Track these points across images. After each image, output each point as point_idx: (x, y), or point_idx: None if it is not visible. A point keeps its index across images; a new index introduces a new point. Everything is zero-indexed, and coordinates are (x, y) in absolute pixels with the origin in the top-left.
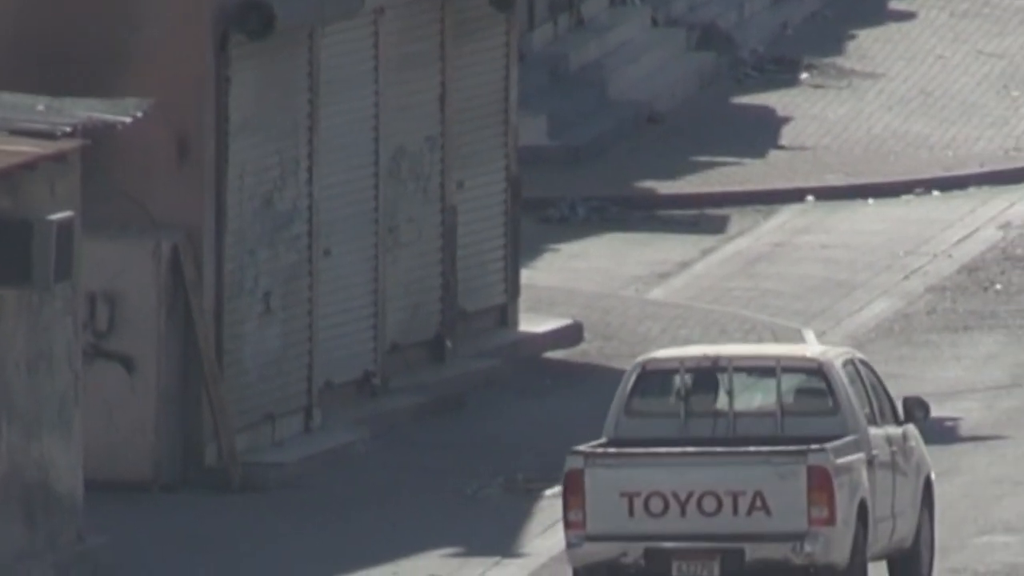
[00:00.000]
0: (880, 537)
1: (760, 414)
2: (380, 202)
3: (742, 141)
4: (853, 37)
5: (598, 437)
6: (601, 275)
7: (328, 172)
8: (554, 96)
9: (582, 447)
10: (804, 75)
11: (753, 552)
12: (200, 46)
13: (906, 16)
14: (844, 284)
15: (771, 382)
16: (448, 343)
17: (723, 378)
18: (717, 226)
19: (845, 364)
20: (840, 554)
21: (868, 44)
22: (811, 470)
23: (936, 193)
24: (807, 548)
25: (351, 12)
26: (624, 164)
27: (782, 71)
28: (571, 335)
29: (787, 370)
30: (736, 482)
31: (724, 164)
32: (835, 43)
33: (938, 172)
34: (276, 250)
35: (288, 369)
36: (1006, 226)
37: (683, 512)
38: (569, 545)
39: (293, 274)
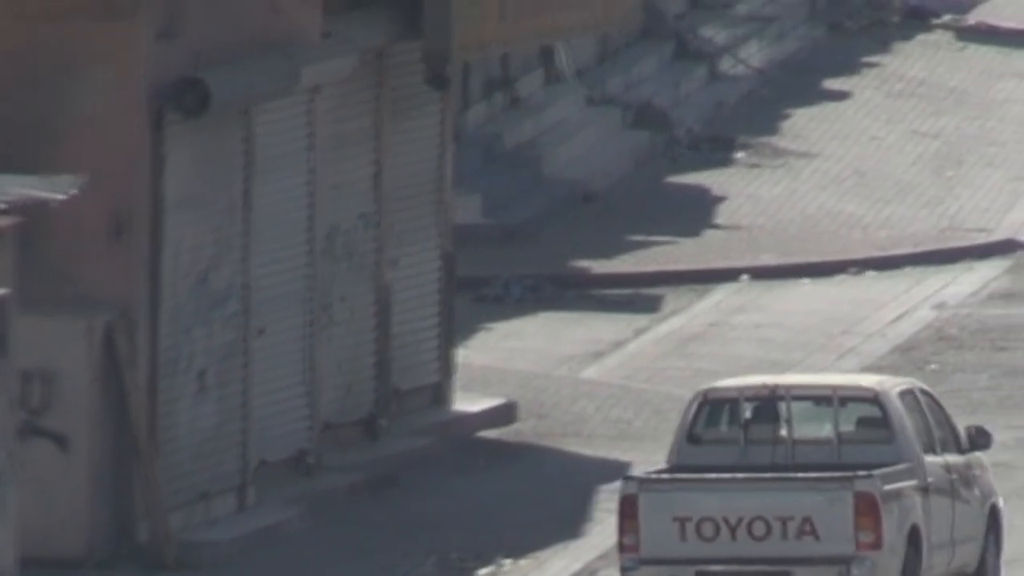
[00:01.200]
0: (937, 564)
1: (818, 442)
2: (314, 280)
3: (677, 220)
4: (788, 117)
5: (534, 515)
6: (535, 354)
7: (263, 250)
8: (489, 174)
9: (637, 473)
10: (739, 154)
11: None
12: (136, 123)
13: (841, 96)
14: (778, 364)
15: (828, 411)
16: (382, 422)
17: (782, 407)
18: (651, 305)
19: (903, 394)
20: None
21: (803, 124)
22: (858, 496)
23: (870, 273)
24: (854, 572)
25: (287, 90)
26: (559, 243)
27: (717, 150)
28: (505, 414)
29: (844, 399)
30: (785, 507)
31: (659, 243)
32: (770, 122)
33: (872, 252)
34: (211, 328)
35: (222, 447)
36: (940, 306)
37: (733, 536)
38: (623, 569)
39: (228, 352)
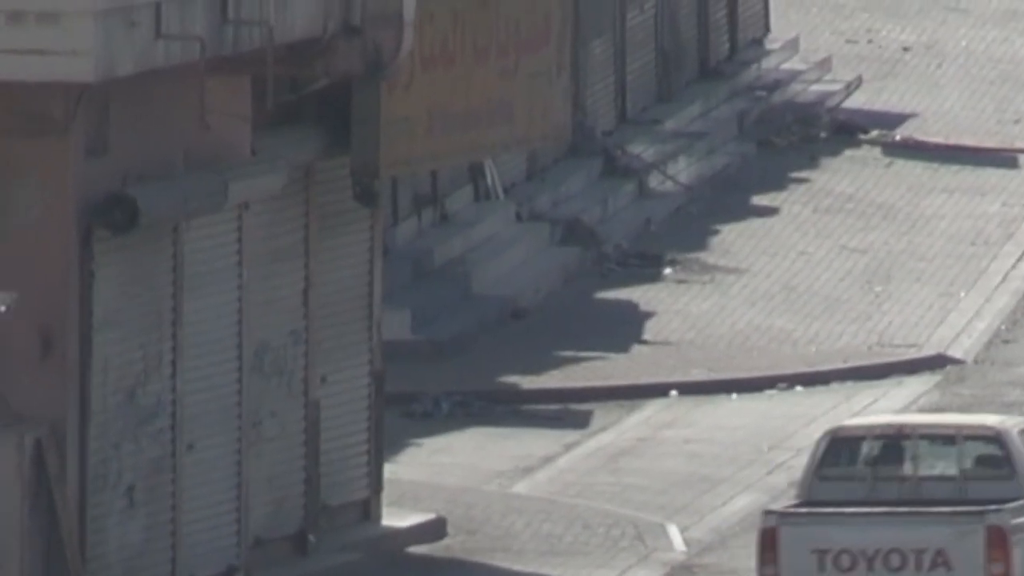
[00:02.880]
0: None
1: (942, 479)
2: (244, 396)
3: (606, 336)
4: (717, 232)
5: None
6: (465, 469)
7: (192, 366)
8: (418, 290)
9: (776, 507)
10: (667, 270)
11: None
12: (64, 239)
13: (769, 212)
14: (708, 479)
15: (952, 449)
16: (311, 537)
17: (908, 445)
18: (581, 421)
19: (1022, 432)
20: None
21: (731, 239)
22: (990, 529)
23: (799, 388)
24: None
25: (216, 207)
26: (488, 359)
27: (646, 266)
28: (434, 530)
29: (968, 438)
30: (920, 540)
31: (588, 359)
32: (699, 238)
33: (801, 367)
34: (140, 444)
35: (152, 563)
36: None
37: (870, 568)
38: None
39: (157, 468)
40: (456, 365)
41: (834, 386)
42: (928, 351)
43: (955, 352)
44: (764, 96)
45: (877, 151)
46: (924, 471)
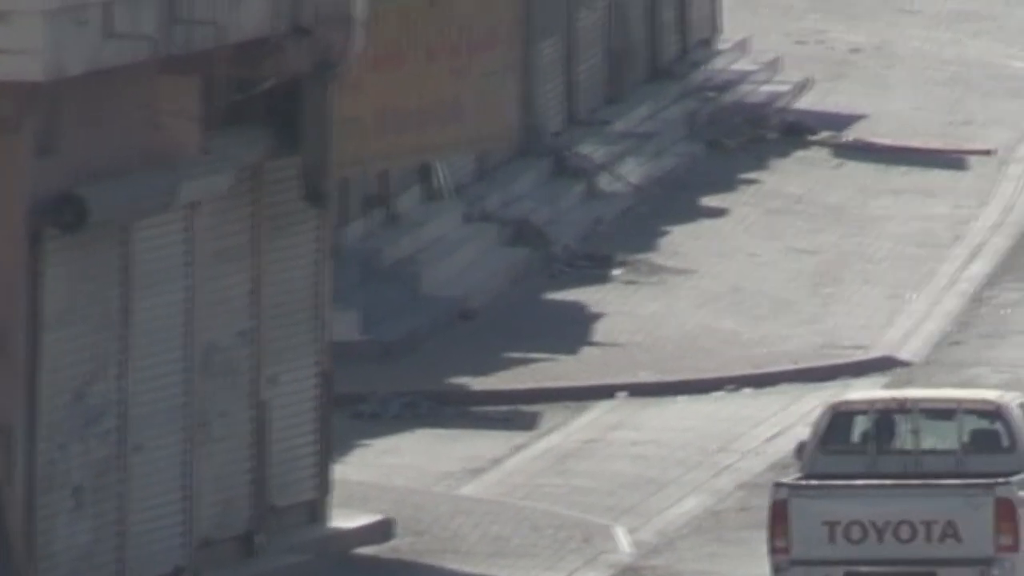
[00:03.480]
0: None
1: (943, 452)
2: (192, 397)
3: (554, 337)
4: (666, 234)
5: None
6: (413, 471)
7: (140, 366)
8: (367, 291)
9: (786, 480)
10: (617, 271)
11: (944, 575)
12: (13, 238)
13: (718, 213)
14: (655, 481)
15: (953, 423)
16: (259, 538)
17: (908, 419)
18: (529, 422)
19: (1020, 406)
20: None
21: (681, 241)
22: (999, 502)
23: (747, 390)
24: (994, 572)
25: (165, 206)
26: (437, 359)
27: (595, 267)
28: (382, 531)
29: (967, 412)
30: (929, 512)
31: (536, 360)
32: (648, 239)
33: (749, 369)
34: (88, 444)
35: (99, 564)
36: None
37: (880, 539)
38: (776, 569)
39: (104, 468)
40: (405, 366)
41: (782, 388)
42: (876, 353)
43: (903, 354)
44: (714, 97)
45: (826, 152)
46: (925, 445)
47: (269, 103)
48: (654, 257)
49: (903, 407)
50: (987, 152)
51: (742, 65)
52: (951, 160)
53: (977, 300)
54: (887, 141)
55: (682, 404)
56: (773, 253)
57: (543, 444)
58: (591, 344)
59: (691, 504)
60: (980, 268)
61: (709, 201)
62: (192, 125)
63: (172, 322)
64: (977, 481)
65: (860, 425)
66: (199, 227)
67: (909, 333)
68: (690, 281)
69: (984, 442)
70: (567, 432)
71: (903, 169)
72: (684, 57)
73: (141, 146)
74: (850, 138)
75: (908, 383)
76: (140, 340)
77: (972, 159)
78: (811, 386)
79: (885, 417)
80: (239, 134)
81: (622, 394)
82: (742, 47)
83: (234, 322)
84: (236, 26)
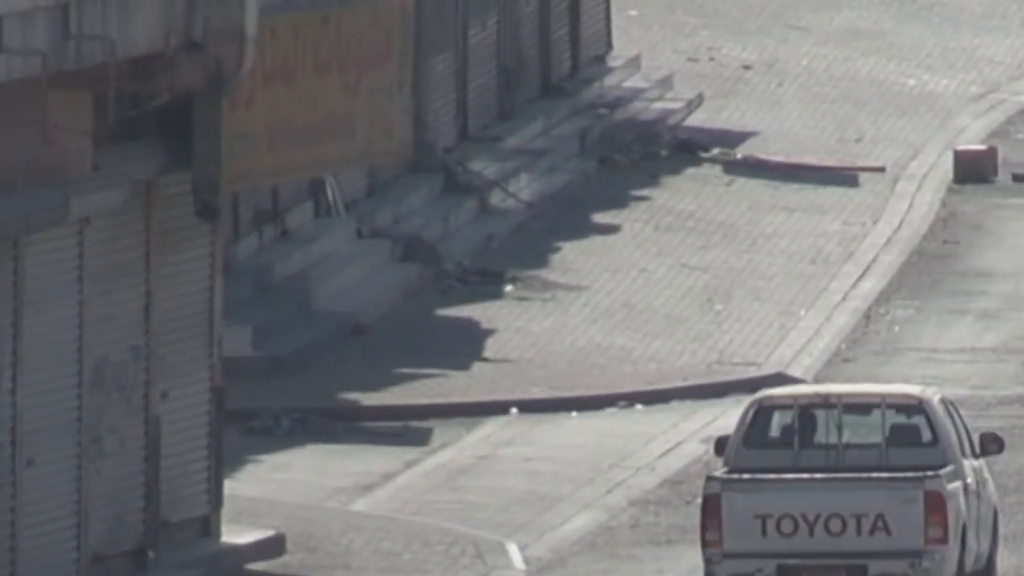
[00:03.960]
0: (970, 561)
1: (866, 446)
2: (84, 411)
3: (446, 353)
4: (558, 250)
5: None
6: (304, 486)
7: (32, 381)
8: (258, 306)
9: (718, 474)
10: (509, 287)
11: (875, 568)
12: None
13: (610, 229)
14: (547, 497)
15: (875, 417)
16: (151, 553)
17: (832, 414)
18: (421, 438)
19: (941, 401)
20: (950, 572)
21: (573, 257)
22: (928, 495)
23: (639, 407)
24: (924, 564)
25: (56, 221)
26: (328, 375)
27: (487, 283)
28: (274, 547)
29: (890, 406)
30: (860, 505)
31: (428, 376)
32: (540, 256)
33: (641, 386)
34: None
35: None
36: (709, 440)
37: (811, 532)
38: (708, 562)
39: None
40: (296, 382)
41: (674, 404)
42: (768, 370)
43: (795, 371)
44: (606, 114)
45: (718, 169)
46: (848, 439)
47: (161, 118)
48: (546, 273)
49: (826, 402)
50: (878, 169)
51: (634, 82)
52: (842, 177)
53: (868, 317)
54: (779, 158)
55: (574, 420)
56: (665, 270)
57: (435, 460)
58: (483, 360)
59: (584, 520)
60: (871, 285)
61: (601, 218)
62: (84, 140)
63: (64, 337)
64: (907, 475)
65: (783, 420)
66: (91, 242)
67: (800, 350)
68: (582, 297)
69: (906, 436)
70: (459, 448)
71: (795, 186)
72: (576, 74)
73: (32, 161)
74: (742, 155)
75: None
76: (31, 355)
77: (863, 176)
78: (703, 403)
79: (808, 412)
80: (131, 149)
81: (514, 410)
82: (634, 64)
83: (126, 337)
84: (128, 41)
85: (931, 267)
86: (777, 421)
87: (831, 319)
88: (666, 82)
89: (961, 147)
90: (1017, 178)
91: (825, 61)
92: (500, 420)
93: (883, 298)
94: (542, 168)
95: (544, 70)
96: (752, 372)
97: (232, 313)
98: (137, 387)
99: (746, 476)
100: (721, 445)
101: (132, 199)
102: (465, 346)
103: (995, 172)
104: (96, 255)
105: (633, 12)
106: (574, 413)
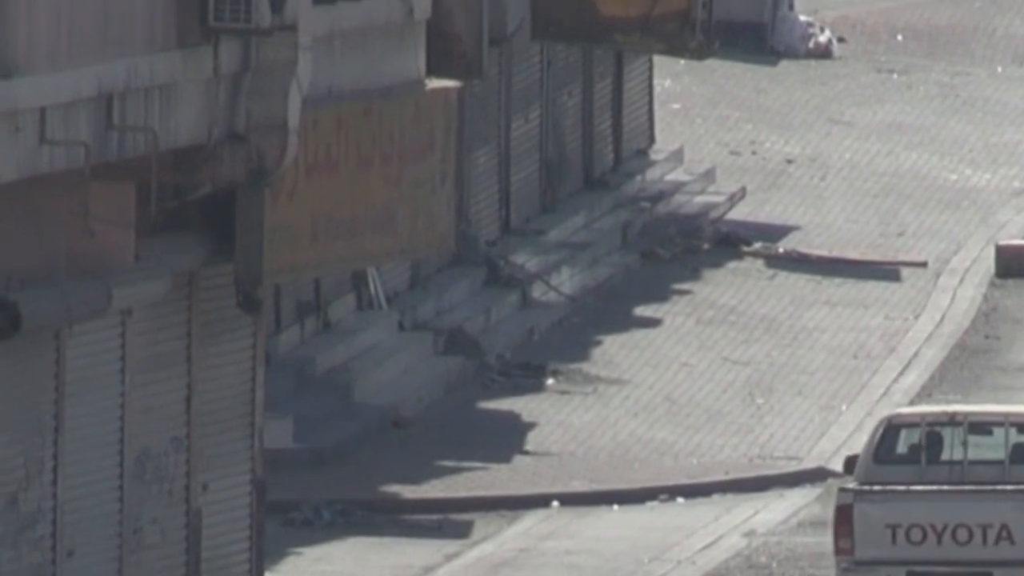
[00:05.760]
0: None
1: (989, 462)
2: (125, 503)
3: (487, 446)
4: (599, 344)
5: None
6: None
7: (73, 473)
8: (300, 399)
9: (851, 486)
10: (550, 381)
11: (999, 575)
12: None
13: (652, 323)
14: None
15: (999, 435)
16: None
17: (958, 431)
18: (461, 531)
19: None
20: None
21: (614, 351)
22: None
23: (680, 500)
24: None
25: (98, 312)
26: (369, 468)
27: (528, 376)
28: None
29: (1013, 425)
30: (985, 516)
31: (469, 469)
32: (581, 349)
33: (683, 479)
34: (20, 551)
35: None
36: (750, 534)
37: (939, 541)
38: (842, 570)
39: (37, 575)
40: (337, 474)
41: (715, 498)
42: (809, 464)
43: (836, 465)
44: (648, 207)
45: (760, 263)
46: (972, 455)
47: (204, 210)
48: (588, 367)
49: (952, 420)
50: (920, 264)
51: (676, 175)
52: (884, 272)
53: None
54: (821, 252)
55: (615, 513)
56: (707, 363)
57: (475, 553)
58: (524, 453)
59: None
60: (913, 380)
61: (643, 311)
62: (126, 232)
63: (105, 428)
64: None
65: (910, 437)
66: (133, 333)
67: (842, 444)
68: (624, 391)
69: None
70: (500, 541)
71: (837, 280)
72: (618, 167)
73: (75, 252)
74: (784, 249)
75: None
76: (73, 446)
77: (905, 271)
78: (744, 496)
79: (934, 430)
80: (174, 241)
81: (555, 503)
82: (676, 157)
83: (167, 428)
84: (171, 133)
85: (973, 362)
86: (905, 438)
87: (872, 414)
88: (708, 175)
89: (1003, 242)
90: None
91: (868, 155)
92: (541, 513)
93: (925, 393)
94: (584, 261)
95: (586, 163)
96: (793, 466)
97: (273, 405)
98: (178, 479)
99: (877, 488)
100: (850, 463)
101: (174, 291)
102: (506, 439)
103: None
104: (138, 346)
105: (676, 105)
106: (615, 506)
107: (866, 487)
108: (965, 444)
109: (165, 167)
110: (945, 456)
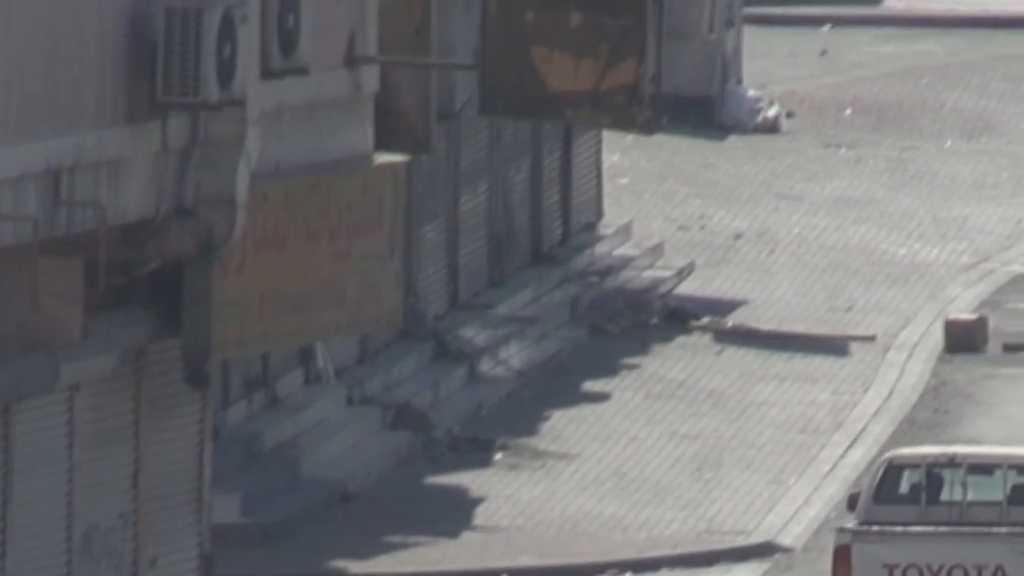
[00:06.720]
0: None
1: (988, 503)
2: None
3: (435, 521)
4: (547, 418)
5: None
6: None
7: (21, 548)
8: (248, 473)
9: (849, 525)
10: (498, 455)
11: None
12: None
13: (600, 397)
14: None
15: (998, 477)
16: None
17: (958, 472)
18: None
19: None
20: None
21: (562, 425)
22: None
23: (629, 574)
24: None
25: (46, 388)
26: (317, 543)
27: (476, 451)
28: None
29: (1012, 467)
30: (981, 557)
31: (417, 544)
32: (530, 424)
33: (631, 554)
34: None
35: None
36: None
37: None
38: None
39: None
40: (285, 549)
41: (663, 573)
42: (757, 538)
43: (784, 540)
44: (596, 281)
45: (708, 338)
46: (972, 496)
47: (152, 285)
48: (536, 441)
49: (952, 461)
50: (869, 338)
51: (625, 250)
52: (833, 346)
53: (858, 486)
54: (769, 327)
55: None
56: (655, 437)
57: None
58: (472, 528)
59: None
60: (861, 454)
61: (591, 386)
62: (74, 307)
63: (53, 504)
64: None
65: (912, 477)
66: (80, 409)
67: (790, 519)
68: (572, 465)
69: None
70: None
71: (785, 355)
72: (567, 241)
73: (22, 327)
74: (732, 324)
75: (788, 568)
76: (21, 522)
77: (854, 345)
78: (691, 571)
79: (934, 470)
80: (122, 316)
81: None
82: (625, 232)
83: (115, 504)
84: (120, 208)
85: (921, 436)
86: (906, 479)
87: (821, 488)
88: (657, 250)
89: (952, 316)
90: (1008, 348)
91: (816, 230)
92: None
93: (872, 468)
94: (533, 336)
95: (535, 237)
96: (741, 541)
97: (221, 480)
98: (126, 554)
99: (875, 528)
100: (853, 501)
101: (122, 366)
102: (454, 514)
103: (986, 342)
104: (86, 422)
105: (624, 180)
106: None
107: (864, 527)
108: (965, 485)
109: (113, 242)
110: (945, 496)
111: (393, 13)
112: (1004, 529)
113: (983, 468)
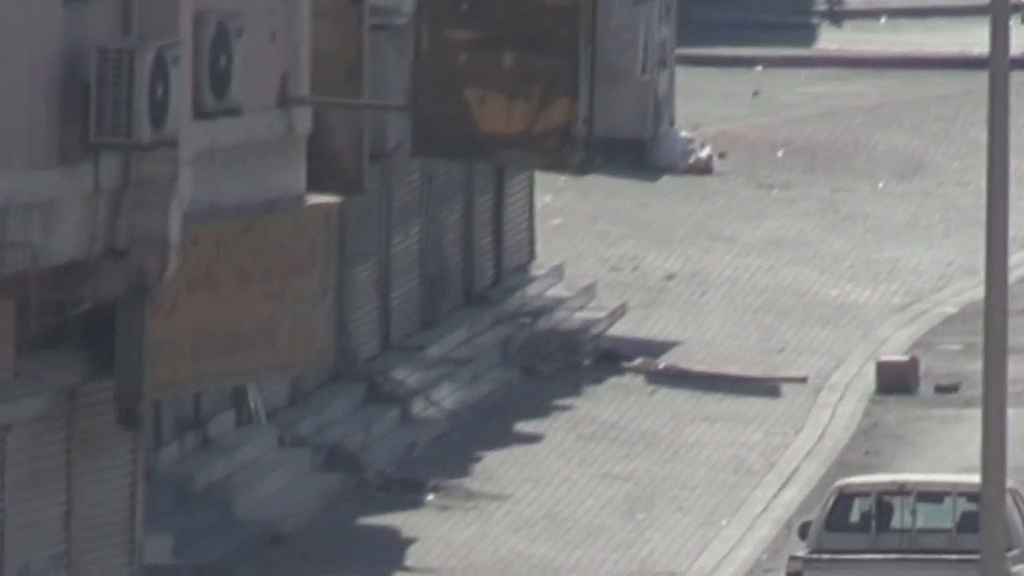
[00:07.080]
0: None
1: (937, 531)
2: None
3: (367, 562)
4: (480, 459)
5: None
6: None
7: None
8: (180, 514)
9: (800, 554)
10: (430, 496)
11: None
12: None
13: (532, 439)
14: None
15: (948, 504)
16: None
17: (907, 500)
18: None
19: (1008, 491)
20: None
21: (495, 466)
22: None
23: None
24: None
25: None
26: None
27: (408, 492)
28: None
29: (961, 494)
30: None
31: None
32: (462, 465)
33: None
34: None
35: None
36: None
37: None
38: None
39: None
40: None
41: None
42: None
43: None
44: (529, 323)
45: (641, 379)
46: (921, 523)
47: (84, 325)
48: (468, 482)
49: (902, 489)
50: (800, 380)
51: (557, 291)
52: (765, 388)
53: (790, 527)
54: (701, 368)
55: None
56: (587, 479)
57: None
58: (404, 569)
59: None
60: (793, 495)
61: (524, 427)
62: (6, 347)
63: None
64: (975, 556)
65: (862, 506)
66: (12, 449)
67: (722, 559)
68: (504, 507)
69: (976, 522)
70: None
71: (717, 396)
72: (499, 282)
73: None
74: (664, 365)
75: None
76: None
77: (786, 387)
78: None
79: (885, 499)
80: (54, 357)
81: None
82: (557, 273)
83: (47, 545)
84: (52, 248)
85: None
86: (857, 507)
87: (753, 529)
88: (589, 291)
89: (884, 358)
90: (940, 389)
91: (748, 271)
92: None
93: (805, 508)
94: (465, 377)
95: (467, 278)
96: None
97: (154, 520)
98: None
99: (826, 556)
100: (805, 528)
101: (54, 407)
102: (386, 555)
103: (917, 383)
104: (17, 463)
105: (557, 221)
106: None
107: (815, 555)
108: (914, 513)
109: (46, 283)
110: (896, 524)
111: (326, 54)
112: (954, 556)
113: (933, 496)
